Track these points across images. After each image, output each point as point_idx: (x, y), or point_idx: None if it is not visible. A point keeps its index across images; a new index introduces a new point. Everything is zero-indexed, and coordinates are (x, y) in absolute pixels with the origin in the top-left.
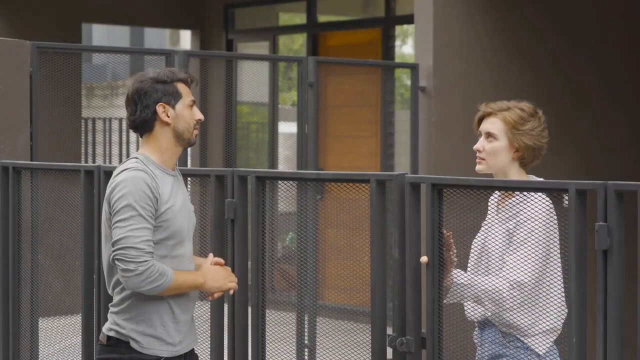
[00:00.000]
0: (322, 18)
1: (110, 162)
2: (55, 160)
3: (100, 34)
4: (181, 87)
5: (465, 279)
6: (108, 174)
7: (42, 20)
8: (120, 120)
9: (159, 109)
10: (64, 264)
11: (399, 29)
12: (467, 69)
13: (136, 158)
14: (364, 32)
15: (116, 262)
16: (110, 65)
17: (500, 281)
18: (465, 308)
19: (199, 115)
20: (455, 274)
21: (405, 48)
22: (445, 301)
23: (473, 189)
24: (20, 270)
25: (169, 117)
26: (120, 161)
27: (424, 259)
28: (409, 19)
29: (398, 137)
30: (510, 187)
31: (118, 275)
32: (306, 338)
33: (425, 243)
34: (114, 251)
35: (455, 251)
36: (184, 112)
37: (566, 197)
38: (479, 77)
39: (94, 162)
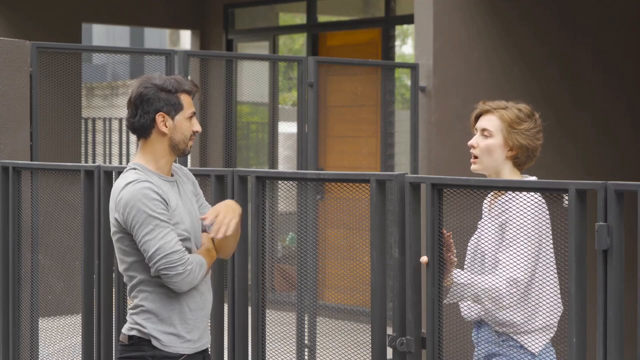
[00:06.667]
0: (322, 18)
1: (110, 162)
2: (55, 160)
3: (100, 34)
4: (184, 99)
5: (465, 278)
6: (108, 174)
7: (42, 20)
8: (120, 120)
9: (159, 118)
10: (64, 264)
11: (399, 29)
12: (467, 69)
13: (134, 169)
14: (364, 32)
15: (162, 272)
16: (110, 65)
17: (498, 279)
18: (461, 308)
19: (196, 127)
20: (455, 273)
21: (405, 48)
22: (445, 301)
23: (473, 189)
24: (20, 270)
25: (166, 127)
26: (120, 161)
27: (424, 259)
28: (409, 19)
29: (398, 137)
30: (510, 187)
31: (169, 285)
32: (306, 338)
33: (425, 243)
34: (154, 264)
35: (455, 251)
36: (183, 124)
37: (566, 197)
38: (479, 77)
39: (94, 162)
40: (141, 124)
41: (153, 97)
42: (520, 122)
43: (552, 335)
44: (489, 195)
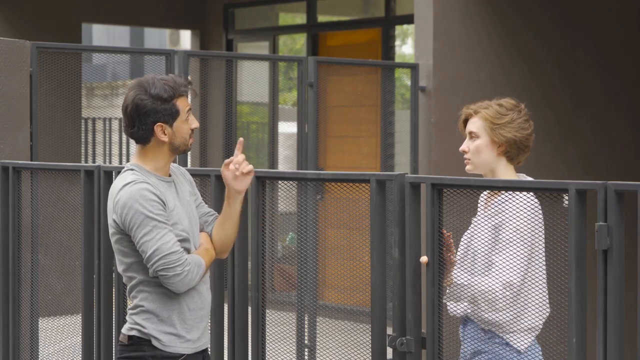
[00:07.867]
0: (322, 18)
1: (110, 162)
2: (55, 160)
3: (100, 34)
4: (180, 103)
5: (465, 279)
6: (108, 174)
7: (42, 20)
8: (120, 120)
9: (157, 129)
10: (64, 264)
11: (399, 29)
12: (467, 69)
13: (132, 169)
14: (364, 32)
15: (160, 273)
16: (110, 65)
17: (496, 282)
18: (448, 305)
19: (194, 124)
20: (455, 274)
21: (405, 48)
22: (445, 301)
23: (473, 189)
24: (20, 270)
25: (165, 134)
26: (120, 161)
27: (424, 259)
28: (409, 19)
29: (398, 137)
30: (510, 187)
31: (167, 286)
32: (306, 338)
33: (425, 243)
34: (153, 265)
35: (455, 251)
36: (181, 128)
37: (566, 197)
38: (479, 77)
39: (94, 162)
40: (140, 135)
41: (150, 109)
42: (501, 116)
43: (537, 333)
44: (485, 192)
